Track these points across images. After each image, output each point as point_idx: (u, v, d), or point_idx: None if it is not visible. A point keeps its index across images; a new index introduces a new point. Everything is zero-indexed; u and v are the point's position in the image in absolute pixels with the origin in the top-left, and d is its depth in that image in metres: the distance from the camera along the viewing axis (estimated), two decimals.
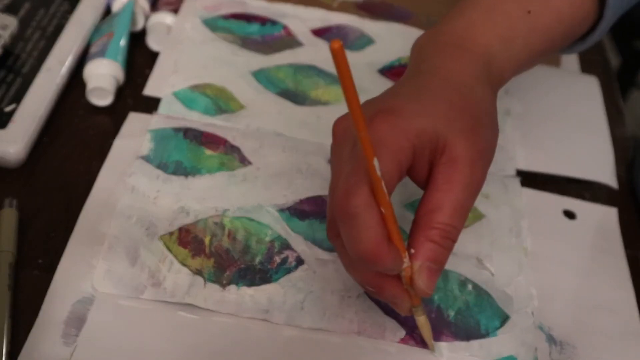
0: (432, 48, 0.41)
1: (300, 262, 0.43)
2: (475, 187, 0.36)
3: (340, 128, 0.37)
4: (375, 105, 0.36)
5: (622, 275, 0.46)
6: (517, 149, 0.53)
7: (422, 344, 0.40)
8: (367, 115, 0.34)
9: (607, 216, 0.50)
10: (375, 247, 0.33)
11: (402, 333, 0.41)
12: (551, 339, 0.42)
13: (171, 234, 0.43)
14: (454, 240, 0.35)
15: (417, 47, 0.42)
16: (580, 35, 0.47)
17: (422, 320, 0.39)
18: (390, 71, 0.57)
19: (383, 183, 0.33)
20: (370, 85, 0.55)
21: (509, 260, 0.45)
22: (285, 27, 0.59)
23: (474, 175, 0.36)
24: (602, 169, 0.53)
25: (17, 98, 0.48)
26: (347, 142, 0.36)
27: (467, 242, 0.46)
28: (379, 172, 0.32)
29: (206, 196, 0.45)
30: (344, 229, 0.34)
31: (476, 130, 0.37)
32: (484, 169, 0.37)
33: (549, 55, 0.46)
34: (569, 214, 0.49)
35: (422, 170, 0.36)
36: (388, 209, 0.34)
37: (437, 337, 0.41)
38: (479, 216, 0.47)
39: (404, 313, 0.38)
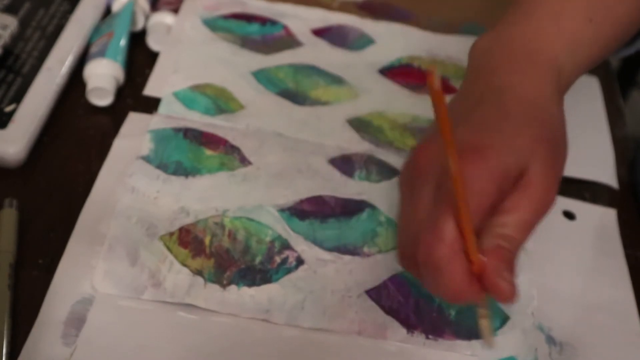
0: (500, 56, 0.40)
1: (300, 262, 0.43)
2: (548, 208, 0.36)
3: (424, 159, 0.36)
4: (459, 140, 0.35)
5: (622, 275, 0.46)
6: None
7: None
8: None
9: (606, 217, 0.50)
10: (459, 294, 0.34)
11: (402, 332, 0.41)
12: (551, 340, 0.42)
13: (171, 234, 0.43)
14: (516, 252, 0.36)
15: (480, 51, 0.41)
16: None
17: (484, 323, 0.39)
18: (390, 71, 0.57)
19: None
20: (371, 86, 0.55)
21: None
22: (285, 27, 0.59)
23: (548, 198, 0.36)
24: (602, 169, 0.53)
25: (17, 98, 0.48)
26: (430, 177, 0.35)
27: None
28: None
29: (206, 196, 0.45)
30: (427, 277, 0.35)
31: (556, 157, 0.37)
32: (556, 190, 0.37)
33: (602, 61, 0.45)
34: (569, 215, 0.49)
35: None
36: (476, 258, 0.34)
37: (439, 335, 0.41)
38: None
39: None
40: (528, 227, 0.35)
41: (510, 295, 0.34)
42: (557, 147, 0.37)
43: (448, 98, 0.55)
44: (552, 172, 0.36)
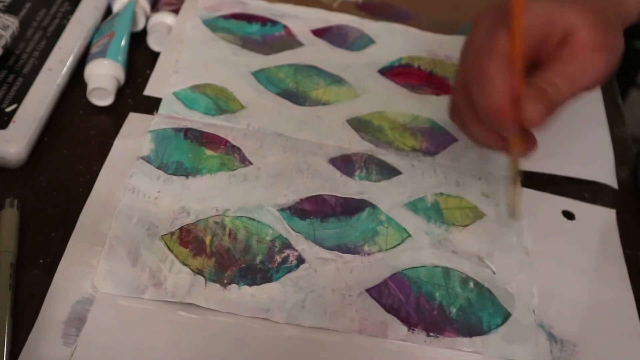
0: None
1: (301, 261, 0.43)
2: (593, 72, 0.39)
3: (478, 13, 0.42)
4: None
5: (621, 275, 0.46)
6: None
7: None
8: None
9: (605, 217, 0.50)
10: (500, 103, 0.38)
11: (403, 330, 0.41)
12: (552, 337, 0.42)
13: (172, 234, 0.43)
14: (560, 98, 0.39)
15: None
16: None
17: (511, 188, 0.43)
18: (390, 71, 0.57)
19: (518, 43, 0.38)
20: (371, 86, 0.55)
21: (509, 258, 0.45)
22: (285, 27, 0.59)
23: (594, 59, 0.39)
24: (602, 169, 0.53)
25: (18, 98, 0.48)
26: (484, 23, 0.41)
27: (468, 240, 0.46)
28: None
29: (207, 196, 0.45)
30: (475, 86, 0.40)
31: (607, 34, 0.40)
32: (606, 61, 0.40)
33: None
34: (568, 215, 0.49)
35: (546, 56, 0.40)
36: (518, 67, 0.39)
37: (440, 333, 0.41)
38: (480, 215, 0.47)
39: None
40: (572, 80, 0.39)
41: (537, 118, 0.38)
42: (610, 27, 0.40)
43: (445, 98, 0.55)
44: (600, 40, 0.39)
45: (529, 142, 0.42)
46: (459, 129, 0.46)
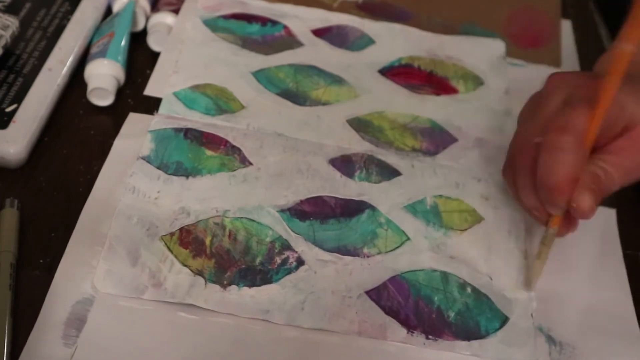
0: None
1: (300, 262, 0.43)
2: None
3: (558, 79, 0.43)
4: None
5: (620, 276, 0.46)
6: None
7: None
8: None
9: (605, 217, 0.50)
10: (564, 183, 0.39)
11: (402, 333, 0.41)
12: (551, 340, 0.42)
13: (172, 234, 0.43)
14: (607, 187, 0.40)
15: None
16: None
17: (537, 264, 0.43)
18: (390, 71, 0.57)
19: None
20: (371, 86, 0.55)
21: (507, 263, 0.45)
22: (285, 27, 0.59)
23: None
24: None
25: (18, 98, 0.48)
26: (559, 92, 0.41)
27: (466, 245, 0.46)
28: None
29: (207, 197, 0.46)
30: (545, 157, 0.39)
31: None
32: None
33: None
34: None
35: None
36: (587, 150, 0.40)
37: (438, 336, 0.41)
38: (478, 219, 0.47)
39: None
40: (626, 170, 0.40)
41: (588, 211, 0.39)
42: None
43: (445, 98, 0.55)
44: None
45: (570, 224, 0.43)
46: (507, 186, 0.46)
